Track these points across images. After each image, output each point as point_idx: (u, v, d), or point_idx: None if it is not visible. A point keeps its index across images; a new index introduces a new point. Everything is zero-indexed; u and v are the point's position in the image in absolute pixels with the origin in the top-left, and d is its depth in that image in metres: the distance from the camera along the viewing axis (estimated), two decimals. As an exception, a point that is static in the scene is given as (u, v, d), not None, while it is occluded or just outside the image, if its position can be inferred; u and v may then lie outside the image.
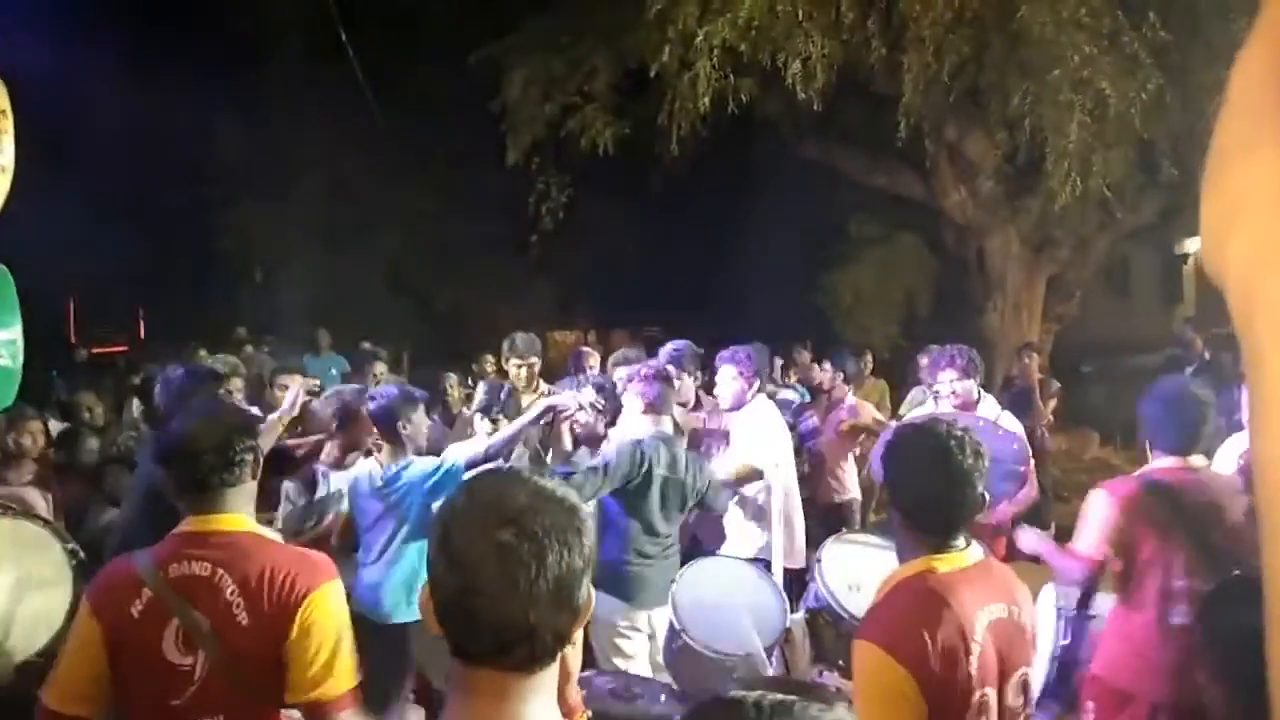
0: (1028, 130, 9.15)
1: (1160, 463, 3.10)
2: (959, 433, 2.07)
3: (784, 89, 9.34)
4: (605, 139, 10.25)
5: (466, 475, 3.60)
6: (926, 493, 2.05)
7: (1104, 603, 3.17)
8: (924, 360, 5.42)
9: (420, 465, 3.81)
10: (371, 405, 3.96)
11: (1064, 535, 4.04)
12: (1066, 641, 3.28)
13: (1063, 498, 7.44)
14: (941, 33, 8.87)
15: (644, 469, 3.79)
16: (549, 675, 1.20)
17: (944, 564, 2.02)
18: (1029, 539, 3.32)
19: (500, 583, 1.12)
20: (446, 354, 10.59)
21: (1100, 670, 3.07)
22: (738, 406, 4.71)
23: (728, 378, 4.69)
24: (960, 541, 2.05)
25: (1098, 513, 3.04)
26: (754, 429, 4.63)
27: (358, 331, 10.62)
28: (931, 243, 13.18)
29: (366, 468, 4.01)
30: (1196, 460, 3.08)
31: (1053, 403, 8.02)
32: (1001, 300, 11.32)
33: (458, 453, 3.91)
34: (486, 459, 3.76)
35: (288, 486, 4.25)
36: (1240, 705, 1.95)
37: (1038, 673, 3.30)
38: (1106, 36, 8.63)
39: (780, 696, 0.98)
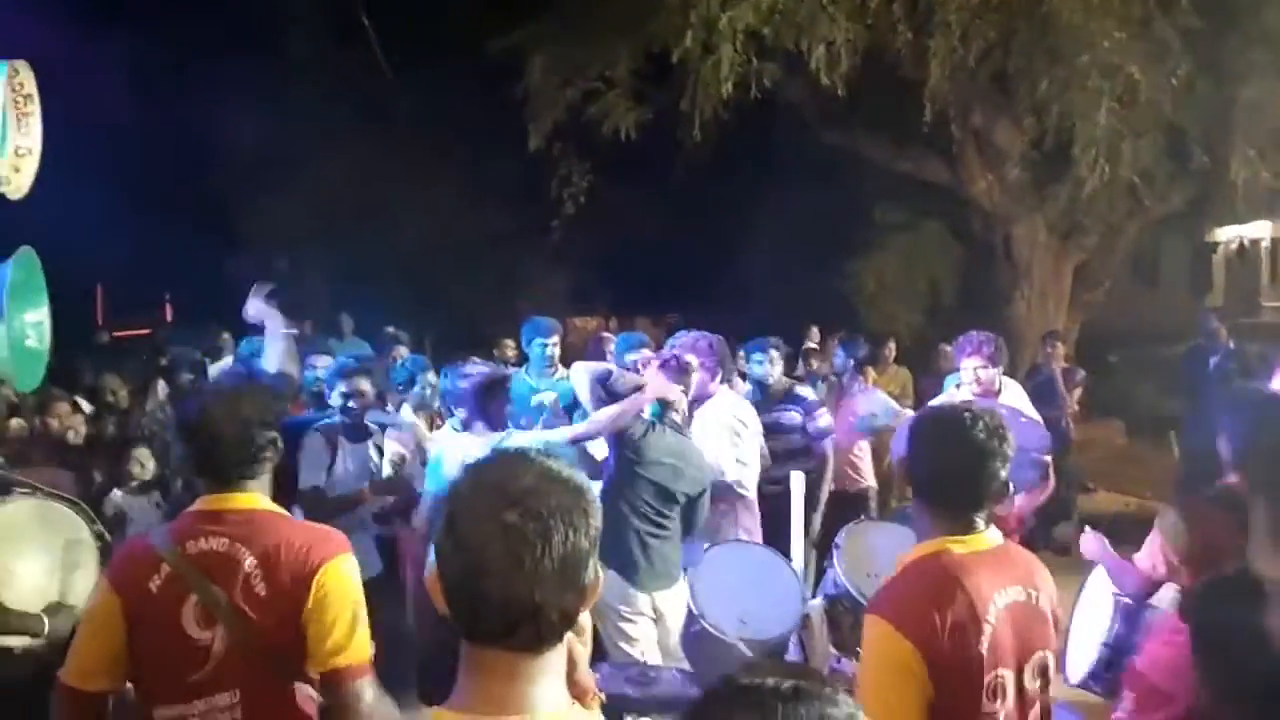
0: (1055, 116, 9.04)
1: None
2: (979, 413, 2.07)
3: (808, 74, 9.27)
4: (627, 125, 10.23)
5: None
6: (944, 469, 2.05)
7: (1165, 594, 3.12)
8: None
9: (520, 440, 3.82)
10: (462, 384, 4.00)
11: (1088, 525, 4.01)
12: (1120, 629, 3.23)
13: (1087, 488, 7.38)
14: (968, 17, 8.77)
15: (640, 449, 3.78)
16: (556, 656, 1.21)
17: (961, 545, 2.01)
18: (1092, 546, 3.24)
19: (506, 562, 1.13)
20: (467, 338, 10.62)
21: (1145, 667, 3.04)
22: (700, 399, 4.52)
23: None
24: (979, 524, 2.04)
25: (1166, 530, 2.96)
26: (714, 422, 4.51)
27: (380, 316, 10.68)
28: (957, 230, 13.06)
29: (460, 444, 3.95)
30: None
31: (1077, 392, 7.95)
32: (1028, 288, 11.21)
33: (561, 432, 3.94)
34: (589, 437, 3.80)
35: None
36: (1228, 701, 1.93)
37: (1080, 656, 3.27)
38: (1137, 22, 8.51)
39: (797, 682, 0.98)
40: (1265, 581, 2.00)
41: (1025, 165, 10.72)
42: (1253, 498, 2.27)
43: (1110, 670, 3.23)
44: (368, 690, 2.03)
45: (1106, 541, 3.24)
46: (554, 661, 1.20)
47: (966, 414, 2.06)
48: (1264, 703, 1.96)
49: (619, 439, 3.80)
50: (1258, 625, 1.94)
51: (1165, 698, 2.91)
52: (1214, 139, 9.18)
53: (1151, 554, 2.98)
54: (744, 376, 5.88)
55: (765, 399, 5.36)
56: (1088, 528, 3.31)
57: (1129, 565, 3.07)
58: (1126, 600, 3.24)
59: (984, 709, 1.94)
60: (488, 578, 1.14)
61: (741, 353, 5.94)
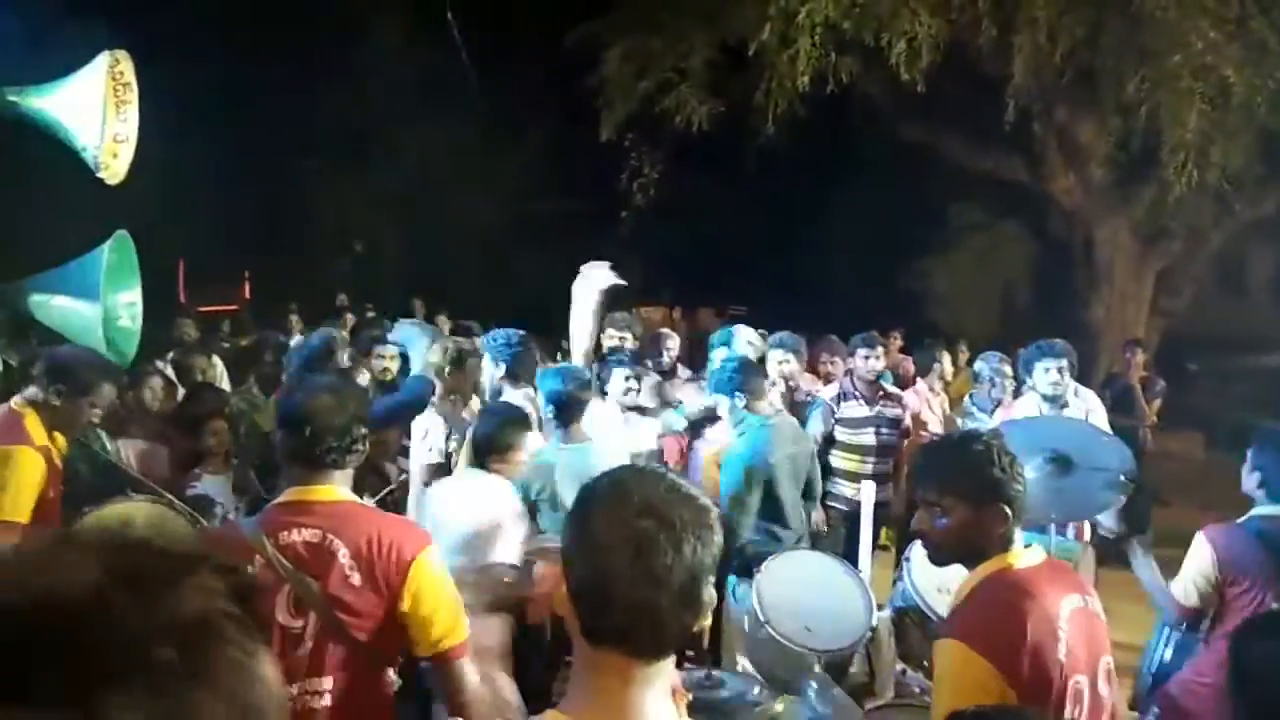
0: (1143, 117, 8.78)
1: (1267, 509, 3.03)
2: (986, 437, 2.11)
3: (886, 68, 9.13)
4: (700, 117, 10.19)
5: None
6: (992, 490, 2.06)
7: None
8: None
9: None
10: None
11: (1164, 541, 3.93)
12: (1165, 658, 3.20)
13: (1164, 501, 7.17)
14: (1055, 13, 8.56)
15: None
16: (668, 666, 1.25)
17: (1018, 559, 2.03)
18: (1141, 566, 3.26)
19: (637, 568, 1.18)
20: (535, 327, 10.69)
21: (1176, 690, 3.07)
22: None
23: None
24: (1020, 541, 2.07)
25: (1195, 559, 3.03)
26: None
27: (450, 303, 10.82)
28: (1034, 231, 12.75)
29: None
30: None
31: (1157, 403, 7.72)
32: (1108, 292, 10.91)
33: None
34: None
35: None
36: None
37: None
38: (1233, 20, 8.21)
39: None
40: None
41: (1109, 166, 10.43)
42: None
43: (1153, 699, 3.19)
44: (471, 667, 2.19)
45: (1156, 567, 3.24)
46: (665, 671, 1.24)
47: (979, 440, 2.08)
48: None
49: None
50: None
51: (1189, 717, 2.92)
52: (1311, 144, 8.85)
53: (1184, 583, 3.01)
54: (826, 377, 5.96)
55: (870, 394, 5.40)
56: (1138, 549, 3.26)
57: (1169, 596, 3.09)
58: (1178, 630, 3.21)
59: (1066, 717, 1.95)
60: (618, 582, 1.18)
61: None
